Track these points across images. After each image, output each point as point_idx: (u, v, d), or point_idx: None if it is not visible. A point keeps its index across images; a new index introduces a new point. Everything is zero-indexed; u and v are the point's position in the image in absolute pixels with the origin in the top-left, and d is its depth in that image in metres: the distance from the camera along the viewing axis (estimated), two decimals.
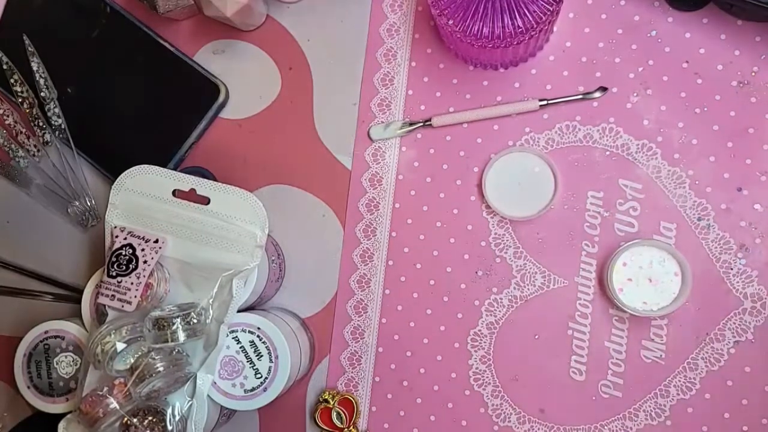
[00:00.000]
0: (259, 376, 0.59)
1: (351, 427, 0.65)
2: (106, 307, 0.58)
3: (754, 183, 0.61)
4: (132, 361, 0.57)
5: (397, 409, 0.65)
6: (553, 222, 0.63)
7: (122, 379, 0.57)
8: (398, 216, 0.66)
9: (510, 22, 0.55)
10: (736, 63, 0.61)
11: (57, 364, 0.61)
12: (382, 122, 0.66)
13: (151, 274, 0.57)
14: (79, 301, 0.61)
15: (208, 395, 0.58)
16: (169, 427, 0.56)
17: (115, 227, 0.59)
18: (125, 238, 0.58)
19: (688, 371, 0.61)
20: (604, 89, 0.63)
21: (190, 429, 0.57)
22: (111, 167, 0.68)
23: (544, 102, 0.63)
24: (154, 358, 0.55)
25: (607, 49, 0.63)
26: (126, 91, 0.69)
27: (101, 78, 0.69)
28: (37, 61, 0.68)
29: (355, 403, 0.65)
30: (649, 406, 0.62)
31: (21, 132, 0.69)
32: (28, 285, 0.71)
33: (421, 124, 0.65)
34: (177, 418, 0.57)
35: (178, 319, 0.55)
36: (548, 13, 0.55)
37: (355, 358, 0.66)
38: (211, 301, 0.58)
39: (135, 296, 0.56)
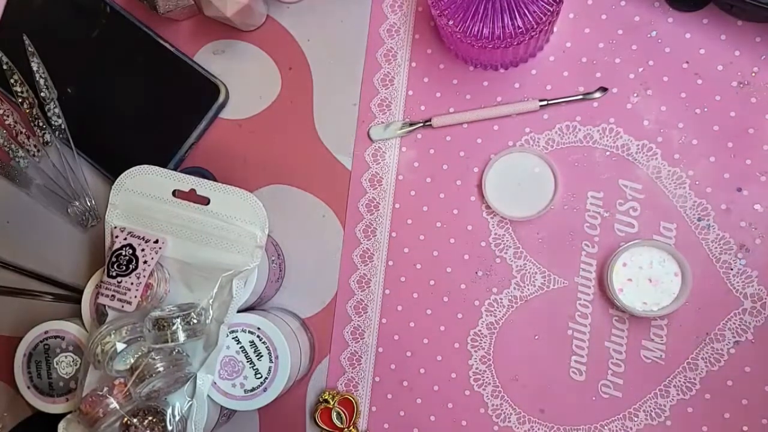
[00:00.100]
0: (259, 376, 0.59)
1: (351, 427, 0.65)
2: (106, 307, 0.58)
3: (754, 183, 0.61)
4: (132, 361, 0.57)
5: (397, 409, 0.65)
6: (553, 222, 0.63)
7: (122, 379, 0.57)
8: (398, 216, 0.66)
9: (510, 23, 0.55)
10: (736, 63, 0.61)
11: (57, 364, 0.61)
12: (382, 122, 0.66)
13: (151, 274, 0.57)
14: (79, 301, 0.61)
15: (208, 395, 0.58)
16: (169, 427, 0.56)
17: (115, 227, 0.59)
18: (125, 239, 0.58)
19: (688, 371, 0.61)
20: (604, 90, 0.63)
21: (190, 429, 0.57)
22: (111, 167, 0.68)
23: (545, 102, 0.63)
24: (154, 358, 0.55)
25: (607, 49, 0.63)
26: (126, 91, 0.69)
27: (101, 78, 0.69)
28: (37, 61, 0.68)
29: (355, 403, 0.65)
30: (649, 406, 0.62)
31: (21, 132, 0.69)
32: (28, 285, 0.71)
33: (421, 124, 0.65)
34: (177, 418, 0.57)
35: (178, 320, 0.55)
36: (548, 13, 0.55)
37: (355, 358, 0.66)
38: (211, 301, 0.58)
39: (135, 296, 0.56)
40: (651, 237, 0.62)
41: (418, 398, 0.65)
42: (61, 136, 0.69)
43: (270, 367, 0.59)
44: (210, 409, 0.59)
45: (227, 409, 0.61)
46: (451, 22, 0.56)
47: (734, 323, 0.60)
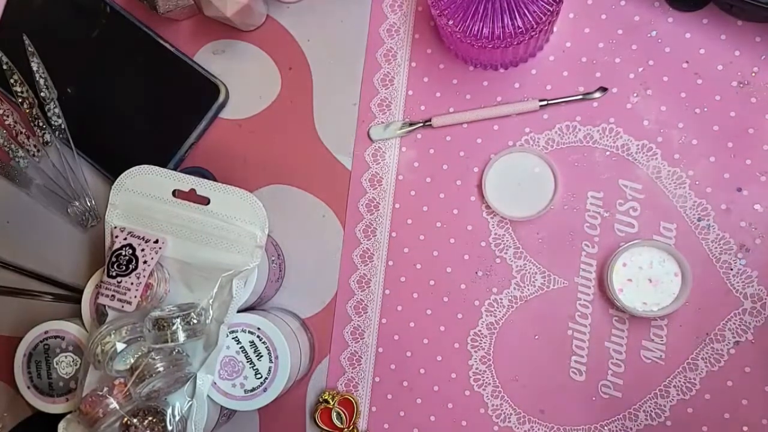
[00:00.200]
0: (259, 376, 0.59)
1: (351, 428, 0.65)
2: (106, 307, 0.58)
3: (754, 183, 0.61)
4: (132, 361, 0.57)
5: (397, 409, 0.65)
6: (553, 222, 0.63)
7: (122, 379, 0.57)
8: (398, 216, 0.66)
9: (510, 23, 0.55)
10: (736, 63, 0.61)
11: (57, 364, 0.61)
12: (382, 122, 0.66)
13: (151, 274, 0.57)
14: (79, 301, 0.61)
15: (208, 395, 0.58)
16: (169, 427, 0.56)
17: (115, 227, 0.59)
18: (125, 239, 0.58)
19: (688, 371, 0.61)
20: (604, 89, 0.63)
21: (190, 429, 0.57)
22: (111, 167, 0.68)
23: (544, 102, 0.63)
24: (154, 359, 0.55)
25: (607, 49, 0.63)
26: (126, 91, 0.69)
27: (101, 78, 0.69)
28: (37, 61, 0.68)
29: (355, 403, 0.65)
30: (649, 407, 0.62)
31: (21, 132, 0.69)
32: (28, 285, 0.71)
33: (421, 124, 0.65)
34: (177, 418, 0.57)
35: (178, 320, 0.55)
36: (548, 13, 0.55)
37: (355, 358, 0.66)
38: (211, 301, 0.58)
39: (135, 296, 0.56)
40: (651, 237, 0.62)
41: (418, 398, 0.65)
42: (61, 136, 0.69)
43: (270, 367, 0.59)
44: (210, 409, 0.59)
45: (227, 409, 0.61)
46: (451, 22, 0.56)
47: (734, 323, 0.60)
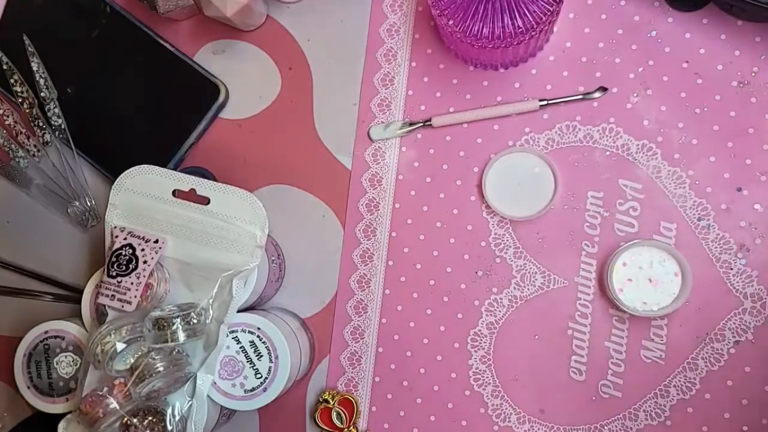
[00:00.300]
0: (259, 376, 0.59)
1: (351, 427, 0.65)
2: (106, 307, 0.58)
3: (754, 183, 0.61)
4: (132, 361, 0.57)
5: (397, 409, 0.65)
6: (553, 222, 0.63)
7: (122, 379, 0.57)
8: (398, 216, 0.66)
9: (510, 23, 0.55)
10: (736, 63, 0.61)
11: (57, 364, 0.61)
12: (382, 122, 0.66)
13: (151, 274, 0.57)
14: (79, 301, 0.61)
15: (208, 395, 0.58)
16: (169, 427, 0.56)
17: (115, 227, 0.59)
18: (125, 238, 0.58)
19: (688, 371, 0.61)
20: (604, 89, 0.63)
21: (190, 429, 0.57)
22: (111, 167, 0.68)
23: (544, 102, 0.63)
24: (154, 358, 0.55)
25: (607, 49, 0.63)
26: (126, 91, 0.69)
27: (101, 78, 0.69)
28: (37, 61, 0.68)
29: (355, 403, 0.65)
30: (649, 406, 0.62)
31: (21, 132, 0.69)
32: (28, 285, 0.71)
33: (421, 124, 0.65)
34: (177, 418, 0.57)
35: (178, 320, 0.55)
36: (548, 13, 0.55)
37: (355, 358, 0.66)
38: (211, 301, 0.58)
39: (135, 296, 0.56)
40: (651, 237, 0.62)
41: (418, 398, 0.65)
42: (61, 136, 0.69)
43: (270, 367, 0.59)
44: (210, 409, 0.59)
45: (227, 409, 0.61)
46: (451, 22, 0.56)
47: (734, 323, 0.60)
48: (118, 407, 0.56)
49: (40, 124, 0.69)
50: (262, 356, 0.59)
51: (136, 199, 0.59)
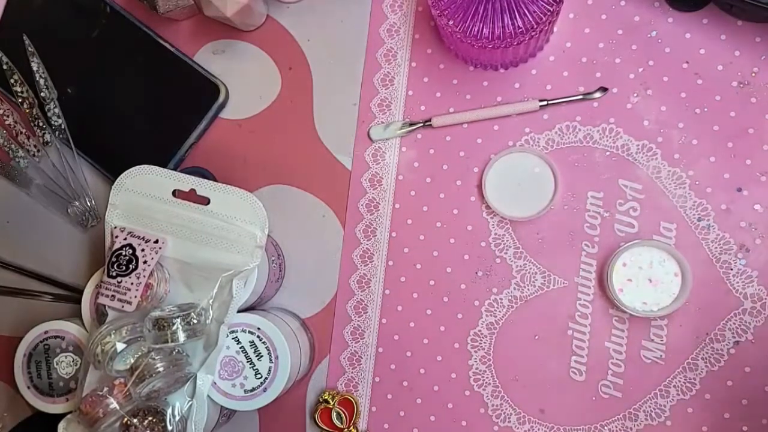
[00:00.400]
0: (259, 376, 0.59)
1: (351, 428, 0.65)
2: (106, 307, 0.58)
3: (754, 183, 0.61)
4: (132, 361, 0.57)
5: (397, 409, 0.65)
6: (553, 222, 0.63)
7: (122, 379, 0.57)
8: (398, 216, 0.66)
9: (510, 23, 0.55)
10: (736, 63, 0.61)
11: (57, 364, 0.61)
12: (382, 122, 0.66)
13: (151, 274, 0.57)
14: (79, 301, 0.61)
15: (208, 395, 0.58)
16: (169, 427, 0.56)
17: (115, 227, 0.59)
18: (125, 239, 0.58)
19: (688, 371, 0.61)
20: (604, 90, 0.63)
21: (190, 429, 0.57)
22: (111, 167, 0.68)
23: (544, 102, 0.63)
24: (154, 358, 0.55)
25: (607, 49, 0.63)
26: (126, 91, 0.69)
27: (101, 78, 0.69)
28: (37, 61, 0.68)
29: (355, 403, 0.65)
30: (649, 406, 0.62)
31: (21, 132, 0.69)
32: (28, 285, 0.71)
33: (421, 124, 0.65)
34: (177, 418, 0.57)
35: (178, 320, 0.55)
36: (548, 13, 0.55)
37: (355, 358, 0.66)
38: (211, 301, 0.58)
39: (135, 296, 0.56)
40: (651, 237, 0.62)
41: (418, 398, 0.65)
42: (61, 136, 0.69)
43: (270, 367, 0.59)
44: (210, 409, 0.59)
45: (227, 409, 0.61)
46: (451, 22, 0.56)
47: (734, 323, 0.60)
48: (118, 407, 0.56)
49: (40, 124, 0.69)
50: (262, 356, 0.59)
51: (136, 199, 0.59)
